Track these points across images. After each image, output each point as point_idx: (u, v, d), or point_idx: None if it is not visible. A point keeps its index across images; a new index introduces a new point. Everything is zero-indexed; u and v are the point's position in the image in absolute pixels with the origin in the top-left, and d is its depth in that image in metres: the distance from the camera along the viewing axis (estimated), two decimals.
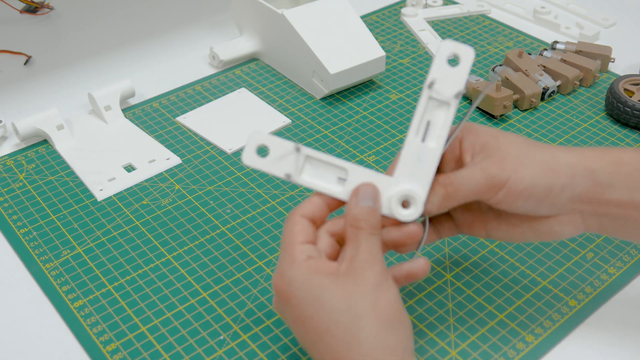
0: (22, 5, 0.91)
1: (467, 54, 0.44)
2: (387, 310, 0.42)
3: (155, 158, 0.68)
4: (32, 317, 0.54)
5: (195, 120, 0.73)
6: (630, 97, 0.72)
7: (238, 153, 0.69)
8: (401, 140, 0.71)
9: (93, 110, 0.74)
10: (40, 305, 0.54)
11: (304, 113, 0.74)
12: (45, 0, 0.92)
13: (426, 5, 0.93)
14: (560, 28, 0.88)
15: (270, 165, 0.46)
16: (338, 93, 0.77)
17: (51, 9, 0.92)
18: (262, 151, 0.46)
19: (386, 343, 0.41)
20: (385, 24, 0.90)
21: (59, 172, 0.67)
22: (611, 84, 0.74)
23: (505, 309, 0.54)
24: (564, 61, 0.78)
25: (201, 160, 0.68)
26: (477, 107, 0.74)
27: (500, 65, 0.78)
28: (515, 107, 0.75)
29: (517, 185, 0.45)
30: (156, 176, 0.66)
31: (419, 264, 0.46)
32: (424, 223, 0.47)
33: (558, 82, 0.76)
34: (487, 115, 0.74)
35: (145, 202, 0.63)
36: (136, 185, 0.65)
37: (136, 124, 0.72)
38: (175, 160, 0.68)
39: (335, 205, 0.46)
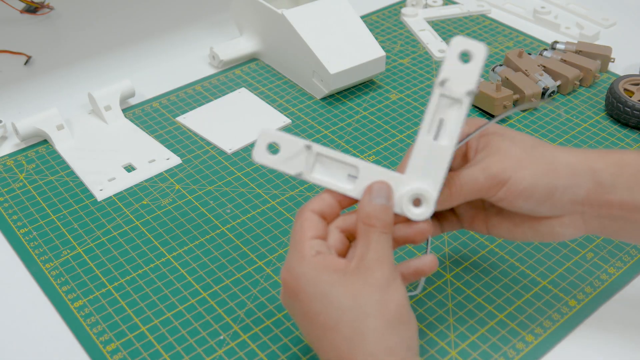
0: (22, 5, 0.91)
1: (479, 50, 0.44)
2: (394, 311, 0.42)
3: (155, 158, 0.68)
4: (32, 317, 0.54)
5: (195, 120, 0.73)
6: (630, 97, 0.72)
7: (238, 153, 0.69)
8: (401, 140, 0.71)
9: (93, 110, 0.74)
10: (40, 305, 0.54)
11: (304, 113, 0.74)
12: (45, 0, 0.92)
13: (426, 5, 0.93)
14: (560, 28, 0.88)
15: (280, 163, 0.46)
16: (338, 93, 0.77)
17: (51, 9, 0.92)
18: (272, 148, 0.46)
19: (390, 343, 0.41)
20: (385, 24, 0.90)
21: (59, 172, 0.67)
22: (611, 84, 0.74)
23: (505, 309, 0.54)
24: (564, 61, 0.78)
25: (201, 160, 0.68)
26: (477, 107, 0.74)
27: (500, 65, 0.78)
28: (515, 107, 0.75)
29: (517, 184, 0.45)
30: (156, 176, 0.66)
31: (426, 261, 0.46)
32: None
33: (558, 82, 0.76)
34: (487, 115, 0.74)
35: (145, 202, 0.63)
36: (136, 185, 0.65)
37: (136, 124, 0.72)
38: (175, 160, 0.68)
39: (347, 202, 0.46)
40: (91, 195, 0.64)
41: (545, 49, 0.81)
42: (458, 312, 0.54)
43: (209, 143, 0.70)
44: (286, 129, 0.72)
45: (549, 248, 0.59)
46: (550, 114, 0.74)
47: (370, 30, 0.83)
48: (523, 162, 0.45)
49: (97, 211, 0.62)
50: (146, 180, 0.66)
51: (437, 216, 0.49)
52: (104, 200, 0.63)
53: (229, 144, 0.70)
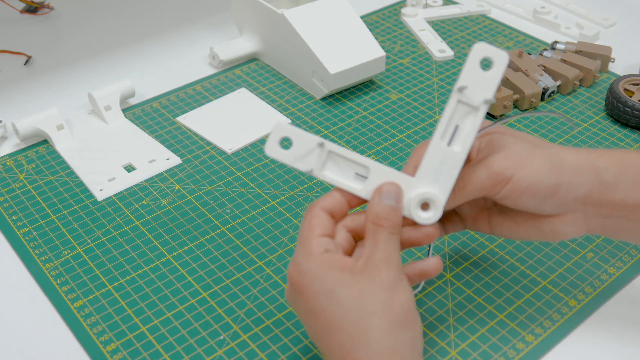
0: (22, 5, 0.91)
1: (501, 58, 0.43)
2: (399, 311, 0.42)
3: (155, 158, 0.68)
4: (32, 317, 0.54)
5: (195, 120, 0.73)
6: (630, 97, 0.72)
7: (238, 153, 0.69)
8: (401, 140, 0.71)
9: (93, 110, 0.74)
10: (40, 305, 0.54)
11: (304, 113, 0.74)
12: (45, 0, 0.92)
13: (426, 5, 0.93)
14: (560, 28, 0.88)
15: (292, 159, 0.46)
16: (338, 93, 0.77)
17: (51, 9, 0.92)
18: (284, 143, 0.46)
19: (394, 343, 0.41)
20: (385, 24, 0.90)
21: (59, 172, 0.67)
22: (611, 84, 0.74)
23: (505, 309, 0.54)
24: (564, 61, 0.78)
25: (201, 160, 0.68)
26: None
27: None
28: (515, 107, 0.75)
29: (521, 181, 0.45)
30: (156, 176, 0.66)
31: (431, 263, 0.46)
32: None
33: (558, 82, 0.76)
34: (487, 115, 0.74)
35: (145, 202, 0.63)
36: (136, 185, 0.65)
37: (136, 124, 0.72)
38: (175, 160, 0.68)
39: (356, 202, 0.47)
40: (91, 195, 0.64)
41: (545, 49, 0.81)
42: (458, 312, 0.54)
43: (209, 143, 0.70)
44: None
45: (549, 248, 0.59)
46: (550, 114, 0.74)
47: (370, 30, 0.83)
48: (527, 159, 0.45)
49: (97, 211, 0.62)
50: (146, 180, 0.66)
51: (441, 218, 0.49)
52: (104, 200, 0.63)
53: (229, 144, 0.70)
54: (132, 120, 0.73)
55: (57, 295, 0.55)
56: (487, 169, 0.45)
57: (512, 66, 0.78)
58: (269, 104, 0.75)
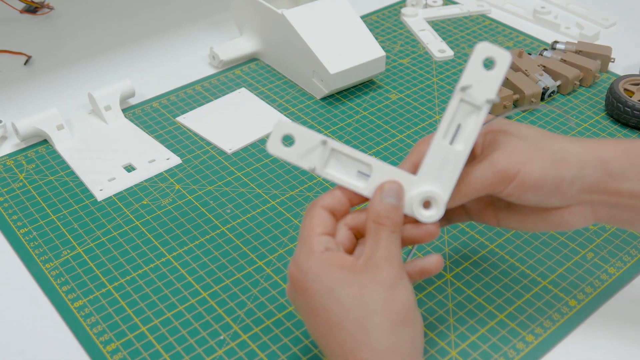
0: (22, 5, 0.91)
1: (503, 58, 0.43)
2: (400, 310, 0.42)
3: (155, 158, 0.68)
4: (32, 317, 0.54)
5: (195, 120, 0.73)
6: (630, 97, 0.72)
7: (238, 153, 0.69)
8: (401, 140, 0.71)
9: (93, 110, 0.74)
10: (40, 305, 0.54)
11: (304, 113, 0.74)
12: (45, 0, 0.92)
13: (426, 5, 0.93)
14: (560, 28, 0.88)
15: (294, 156, 0.46)
16: (338, 93, 0.77)
17: (51, 9, 0.92)
18: (286, 140, 0.46)
19: (395, 342, 0.42)
20: (385, 24, 0.90)
21: (59, 172, 0.67)
22: (611, 84, 0.74)
23: (505, 309, 0.54)
24: (564, 61, 0.78)
25: (201, 160, 0.68)
26: None
27: None
28: (515, 107, 0.75)
29: (526, 178, 0.45)
30: (156, 176, 0.66)
31: (432, 261, 0.46)
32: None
33: (558, 82, 0.76)
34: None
35: (145, 202, 0.63)
36: (136, 185, 0.65)
37: (136, 124, 0.72)
38: (175, 160, 0.68)
39: (357, 200, 0.46)
40: (91, 195, 0.64)
41: (545, 49, 0.81)
42: (458, 312, 0.54)
43: (209, 143, 0.70)
44: None
45: (549, 248, 0.59)
46: (551, 114, 0.74)
47: (370, 30, 0.83)
48: (530, 155, 0.45)
49: (97, 211, 0.62)
50: (146, 180, 0.66)
51: (446, 211, 0.49)
52: (104, 200, 0.63)
53: (229, 144, 0.70)
54: (132, 120, 0.73)
55: (57, 295, 0.55)
56: (491, 167, 0.45)
57: (512, 66, 0.78)
58: (269, 104, 0.75)
